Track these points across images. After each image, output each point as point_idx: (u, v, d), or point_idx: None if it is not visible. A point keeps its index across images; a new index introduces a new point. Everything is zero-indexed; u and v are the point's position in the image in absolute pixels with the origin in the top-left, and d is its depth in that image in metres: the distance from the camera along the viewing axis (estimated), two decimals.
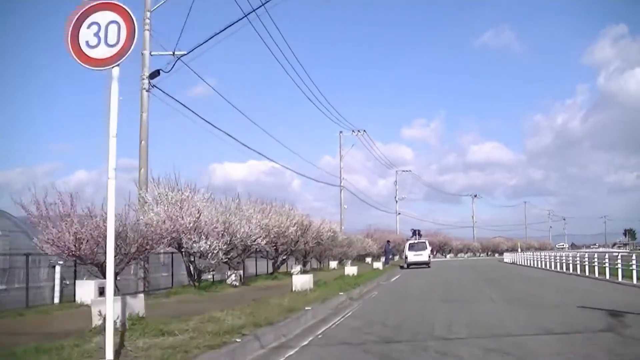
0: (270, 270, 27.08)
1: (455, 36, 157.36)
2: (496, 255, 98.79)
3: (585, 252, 37.28)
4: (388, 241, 46.39)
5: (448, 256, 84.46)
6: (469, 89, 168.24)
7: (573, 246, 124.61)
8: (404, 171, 71.90)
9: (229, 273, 19.84)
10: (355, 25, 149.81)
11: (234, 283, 19.05)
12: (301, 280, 16.02)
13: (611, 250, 75.83)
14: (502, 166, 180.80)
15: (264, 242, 20.71)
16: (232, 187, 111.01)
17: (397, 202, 70.76)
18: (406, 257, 40.16)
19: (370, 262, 43.33)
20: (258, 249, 22.25)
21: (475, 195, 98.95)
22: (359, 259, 46.32)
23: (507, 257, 59.53)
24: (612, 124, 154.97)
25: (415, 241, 42.58)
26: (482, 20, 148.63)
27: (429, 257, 39.97)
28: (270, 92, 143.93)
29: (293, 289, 15.65)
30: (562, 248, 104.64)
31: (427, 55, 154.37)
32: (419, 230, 44.90)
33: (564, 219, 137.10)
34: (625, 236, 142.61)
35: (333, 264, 35.98)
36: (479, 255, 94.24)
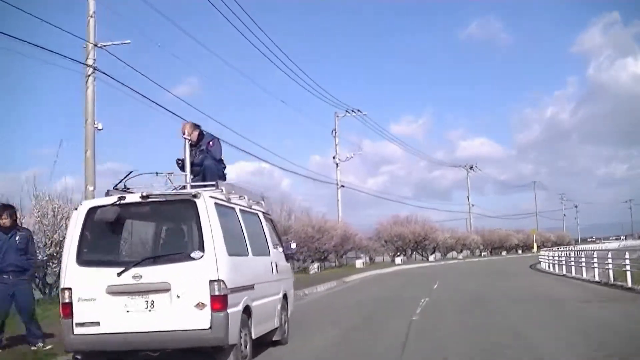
0: None
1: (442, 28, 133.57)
2: (503, 253, 68.54)
3: None
4: None
5: (432, 257, 53.13)
6: (458, 84, 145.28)
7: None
8: (348, 111, 40.73)
9: None
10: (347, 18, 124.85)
11: None
12: None
13: None
14: (493, 161, 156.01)
15: None
16: None
17: (337, 165, 40.21)
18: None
19: None
20: None
21: (472, 167, 67.98)
22: None
23: (544, 261, 29.71)
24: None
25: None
26: (469, 11, 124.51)
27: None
28: None
29: None
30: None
31: (415, 50, 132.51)
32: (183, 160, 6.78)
33: (576, 206, 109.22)
34: None
35: None
36: (482, 255, 63.27)
